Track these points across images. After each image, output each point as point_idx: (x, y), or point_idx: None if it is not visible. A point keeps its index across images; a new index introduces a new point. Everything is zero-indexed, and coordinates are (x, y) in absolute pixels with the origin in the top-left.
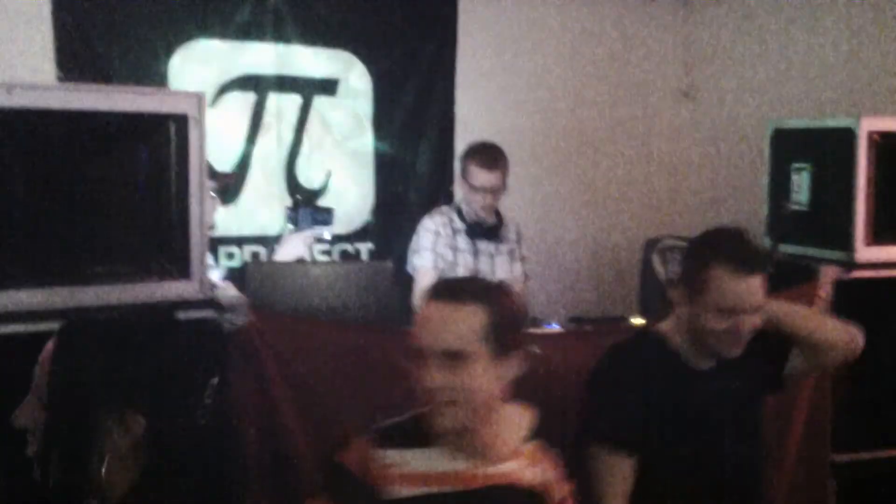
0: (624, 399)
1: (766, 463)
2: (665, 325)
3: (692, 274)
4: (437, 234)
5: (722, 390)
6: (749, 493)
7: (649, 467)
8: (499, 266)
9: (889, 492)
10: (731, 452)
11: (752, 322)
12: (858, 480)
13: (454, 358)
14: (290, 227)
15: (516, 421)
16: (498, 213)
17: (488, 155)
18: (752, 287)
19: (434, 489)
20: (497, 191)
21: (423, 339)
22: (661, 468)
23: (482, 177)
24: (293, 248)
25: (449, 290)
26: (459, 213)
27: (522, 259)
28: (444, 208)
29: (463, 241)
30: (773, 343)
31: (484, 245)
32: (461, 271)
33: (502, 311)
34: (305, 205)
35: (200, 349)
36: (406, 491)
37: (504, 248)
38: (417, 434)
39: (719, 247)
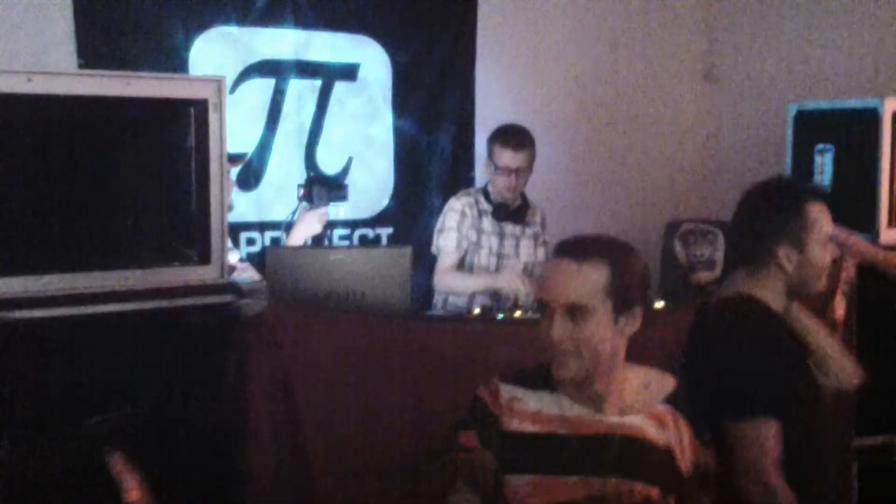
0: (752, 365)
1: None
2: (759, 291)
3: (788, 224)
4: (464, 214)
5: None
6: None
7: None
8: (523, 249)
9: None
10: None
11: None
12: (881, 464)
13: (576, 312)
14: (305, 204)
15: (644, 380)
16: (524, 197)
17: (513, 135)
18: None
19: (553, 429)
20: (521, 172)
21: (547, 293)
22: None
23: (506, 157)
24: (309, 225)
25: (575, 246)
26: (486, 194)
27: (545, 244)
28: (472, 189)
29: (488, 223)
30: None
31: (510, 228)
32: (485, 253)
33: (625, 269)
34: (319, 182)
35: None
36: (528, 427)
37: (529, 231)
38: (540, 379)
39: (798, 189)
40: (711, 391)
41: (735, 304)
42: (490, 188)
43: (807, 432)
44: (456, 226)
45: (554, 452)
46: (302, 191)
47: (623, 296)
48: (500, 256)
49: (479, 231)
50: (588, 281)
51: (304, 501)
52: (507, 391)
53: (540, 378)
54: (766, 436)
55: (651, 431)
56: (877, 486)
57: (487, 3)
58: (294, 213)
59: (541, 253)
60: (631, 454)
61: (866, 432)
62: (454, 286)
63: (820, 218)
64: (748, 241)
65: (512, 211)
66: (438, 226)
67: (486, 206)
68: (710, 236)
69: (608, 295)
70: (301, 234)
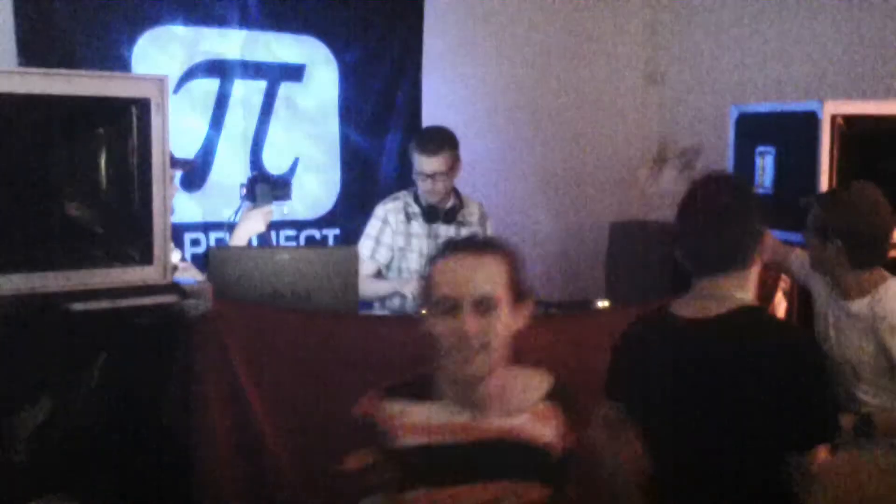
0: (621, 365)
1: None
2: (748, 299)
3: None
4: (385, 221)
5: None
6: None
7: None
8: None
9: None
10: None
11: None
12: None
13: (487, 304)
14: (248, 203)
15: (524, 380)
16: (458, 196)
17: (430, 140)
18: None
19: (442, 439)
20: (439, 176)
21: (453, 290)
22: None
23: (423, 162)
24: (252, 224)
25: (471, 242)
26: (416, 197)
27: None
28: (402, 193)
29: (419, 226)
30: None
31: (443, 229)
32: (415, 257)
33: (516, 260)
34: (263, 180)
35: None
36: (419, 440)
37: (465, 230)
38: (422, 390)
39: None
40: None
41: (761, 321)
42: (419, 191)
43: None
44: (375, 234)
45: (446, 463)
46: (245, 190)
47: (518, 289)
48: None
49: (408, 235)
50: (493, 273)
51: (258, 499)
52: (392, 407)
53: (423, 388)
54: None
55: (536, 430)
56: None
57: (433, 5)
58: (237, 212)
59: None
60: (518, 456)
61: None
62: (367, 291)
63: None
64: (735, 244)
65: (445, 212)
66: (364, 231)
67: (415, 208)
68: None
69: (508, 287)
70: (245, 234)
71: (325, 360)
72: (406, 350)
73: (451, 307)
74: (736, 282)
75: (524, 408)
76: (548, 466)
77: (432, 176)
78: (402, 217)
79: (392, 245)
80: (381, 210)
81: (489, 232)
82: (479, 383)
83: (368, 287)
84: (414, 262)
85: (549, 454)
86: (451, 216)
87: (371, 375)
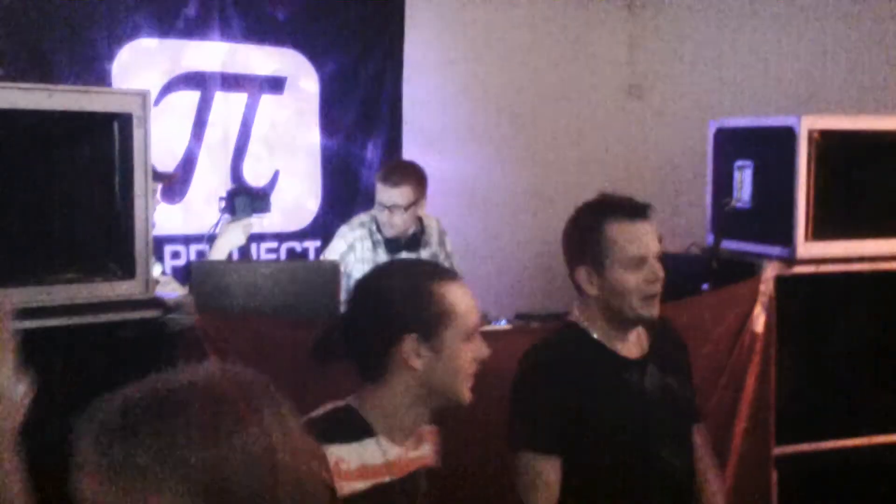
0: (543, 400)
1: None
2: (578, 316)
3: (588, 244)
4: (351, 248)
5: (653, 383)
6: (683, 494)
7: (576, 469)
8: None
9: (830, 483)
10: (662, 449)
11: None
12: (800, 472)
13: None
14: (227, 216)
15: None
16: (419, 219)
17: (392, 172)
18: (646, 230)
19: (378, 479)
20: (397, 209)
21: (471, 319)
22: (588, 469)
23: (382, 193)
24: (232, 237)
25: (449, 271)
26: (377, 224)
27: (448, 256)
28: (365, 218)
29: (383, 254)
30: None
31: (405, 256)
32: None
33: None
34: (242, 192)
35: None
36: (357, 486)
37: (426, 253)
38: (359, 425)
39: (603, 205)
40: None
41: (554, 329)
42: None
43: (603, 474)
44: (338, 258)
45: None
46: (224, 202)
47: None
48: None
49: (374, 263)
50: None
51: None
52: (330, 454)
53: (355, 425)
54: (536, 476)
55: (432, 455)
56: (797, 494)
57: (415, 17)
58: (216, 225)
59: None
60: (429, 486)
61: (786, 441)
62: None
63: (620, 238)
64: (568, 266)
65: (406, 241)
66: (324, 252)
67: (378, 237)
68: None
69: None
70: (224, 246)
71: (310, 373)
72: None
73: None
74: (577, 303)
75: (425, 433)
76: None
77: (390, 208)
78: (368, 244)
79: (352, 273)
80: (348, 235)
81: (448, 248)
82: (463, 392)
83: None
84: None
85: (435, 474)
86: (413, 245)
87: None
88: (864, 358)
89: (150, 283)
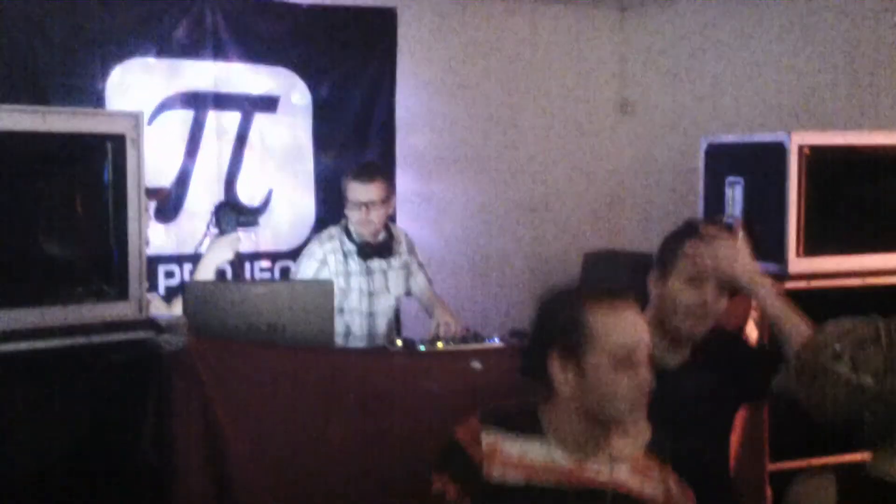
0: None
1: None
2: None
3: (665, 254)
4: (324, 262)
5: (689, 388)
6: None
7: None
8: (392, 281)
9: None
10: (691, 454)
11: (719, 294)
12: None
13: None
14: (215, 231)
15: (635, 427)
16: (388, 229)
17: (364, 169)
18: (713, 252)
19: (540, 480)
20: (373, 206)
21: (622, 345)
22: None
23: (356, 190)
24: (220, 252)
25: (619, 292)
26: (348, 234)
27: (421, 266)
28: (334, 231)
29: (355, 264)
30: (765, 350)
31: (376, 263)
32: (355, 296)
33: None
34: (229, 207)
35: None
36: (512, 476)
37: (396, 262)
38: (523, 422)
39: (686, 226)
40: None
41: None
42: (350, 227)
43: None
44: (312, 274)
45: None
46: (212, 217)
47: None
48: (370, 294)
49: (347, 274)
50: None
51: None
52: (489, 435)
53: (526, 421)
54: None
55: (641, 486)
56: None
57: (406, 35)
58: (202, 241)
59: (420, 279)
60: None
61: (780, 458)
62: None
63: (686, 256)
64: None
65: (377, 247)
66: (294, 268)
67: (350, 246)
68: None
69: None
70: (211, 263)
71: (303, 396)
72: (385, 383)
73: (630, 360)
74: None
75: (625, 458)
76: None
77: (368, 204)
78: (340, 257)
79: (336, 285)
80: (318, 250)
81: (419, 258)
82: (598, 427)
83: None
84: (354, 301)
85: None
86: (385, 251)
87: (350, 410)
88: None
89: (143, 304)
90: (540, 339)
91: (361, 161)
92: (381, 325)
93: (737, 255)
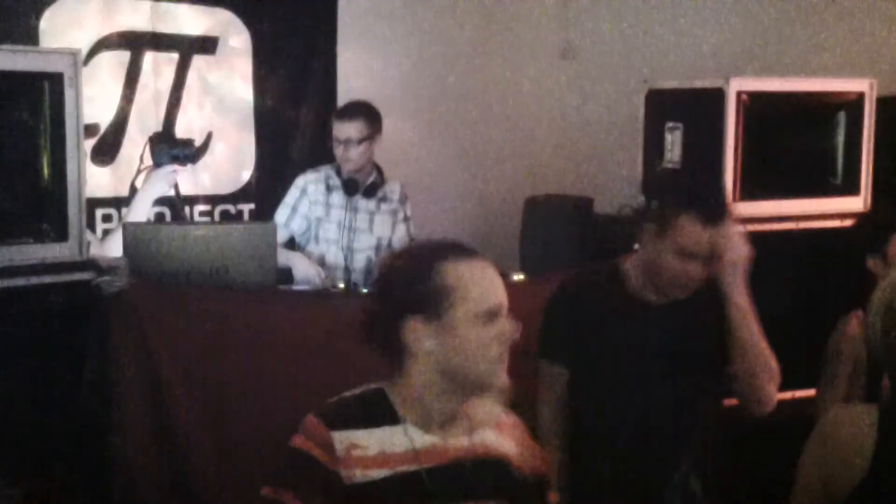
0: (558, 316)
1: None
2: (626, 259)
3: (662, 216)
4: (304, 191)
5: (664, 326)
6: (674, 433)
7: (581, 386)
8: (377, 224)
9: (759, 436)
10: (661, 387)
11: (704, 271)
12: (729, 427)
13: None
14: (150, 164)
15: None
16: (379, 171)
17: (347, 107)
18: (713, 237)
19: (402, 468)
20: (352, 143)
21: (486, 297)
22: (591, 388)
23: (338, 128)
24: (155, 186)
25: (468, 248)
26: (338, 170)
27: (406, 220)
28: (324, 167)
29: (338, 197)
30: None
31: (363, 203)
32: (333, 227)
33: None
34: (163, 140)
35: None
36: (374, 473)
37: (386, 207)
38: (371, 413)
39: (692, 197)
40: None
41: (596, 264)
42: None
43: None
44: (292, 203)
45: (406, 494)
46: (145, 149)
47: None
48: (351, 230)
49: (328, 206)
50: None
51: (174, 480)
52: (341, 439)
53: (377, 410)
54: (544, 379)
55: (500, 444)
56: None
57: None
58: (136, 176)
59: (401, 230)
60: (483, 475)
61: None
62: None
63: (686, 231)
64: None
65: (366, 186)
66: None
67: (336, 181)
68: None
69: None
70: (148, 197)
71: (243, 339)
72: (326, 326)
73: (496, 314)
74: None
75: (485, 420)
76: (515, 485)
77: (346, 142)
78: (322, 187)
79: (308, 215)
80: (300, 180)
81: (408, 211)
82: (456, 395)
83: None
84: (332, 231)
85: (517, 470)
86: (371, 191)
87: (291, 353)
88: (792, 316)
89: (83, 245)
90: (393, 305)
91: (302, 105)
92: (360, 260)
93: (732, 248)
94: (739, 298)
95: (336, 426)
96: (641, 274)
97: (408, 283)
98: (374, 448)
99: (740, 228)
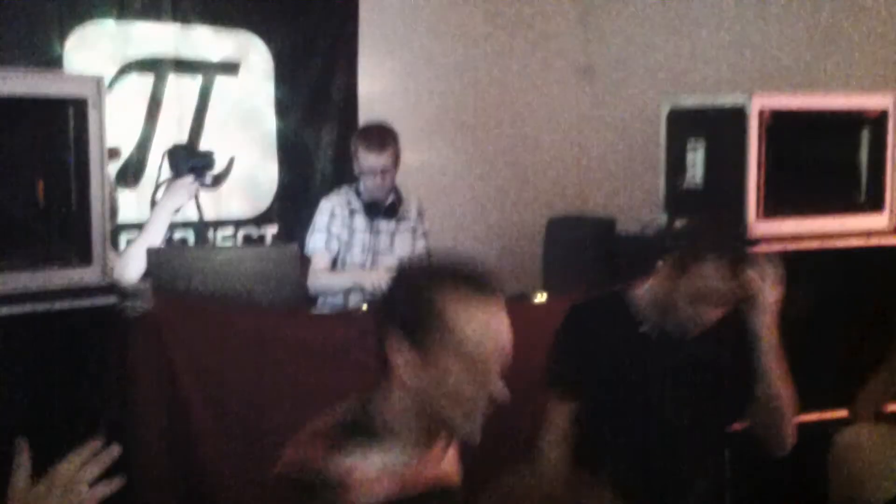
0: (566, 348)
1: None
2: (638, 287)
3: (682, 258)
4: (333, 214)
5: (675, 359)
6: (685, 468)
7: (588, 421)
8: (398, 244)
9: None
10: (670, 420)
11: (718, 314)
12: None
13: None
14: (171, 174)
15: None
16: (397, 191)
17: (374, 137)
18: (733, 287)
19: (395, 492)
20: (387, 171)
21: (483, 348)
22: (598, 423)
23: (370, 159)
24: (174, 198)
25: (486, 284)
26: (358, 192)
27: (424, 236)
28: (344, 188)
29: (361, 221)
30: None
31: (384, 224)
32: (357, 251)
33: None
34: (183, 150)
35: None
36: (371, 498)
37: (404, 226)
38: (366, 431)
39: (717, 241)
40: None
41: (606, 291)
42: (361, 187)
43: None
44: (325, 227)
45: None
46: (163, 159)
47: None
48: (374, 253)
49: (352, 230)
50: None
51: (195, 502)
52: (341, 459)
53: (366, 429)
54: (549, 412)
55: (452, 473)
56: (748, 471)
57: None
58: (155, 191)
59: (420, 245)
60: None
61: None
62: (326, 284)
63: (706, 277)
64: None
65: (385, 207)
66: (311, 228)
67: (357, 204)
68: None
69: None
70: (167, 209)
71: (267, 360)
72: (350, 347)
73: (490, 366)
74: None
75: (450, 446)
76: None
77: (382, 172)
78: (346, 211)
79: (339, 237)
80: (326, 204)
81: (426, 226)
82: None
83: (325, 280)
84: (357, 256)
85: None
86: (391, 211)
87: (314, 374)
88: (815, 336)
89: (107, 269)
90: (382, 311)
91: (323, 125)
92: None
93: (764, 291)
94: (770, 341)
95: (338, 447)
96: (650, 305)
97: (398, 293)
98: (372, 471)
99: (771, 269)
